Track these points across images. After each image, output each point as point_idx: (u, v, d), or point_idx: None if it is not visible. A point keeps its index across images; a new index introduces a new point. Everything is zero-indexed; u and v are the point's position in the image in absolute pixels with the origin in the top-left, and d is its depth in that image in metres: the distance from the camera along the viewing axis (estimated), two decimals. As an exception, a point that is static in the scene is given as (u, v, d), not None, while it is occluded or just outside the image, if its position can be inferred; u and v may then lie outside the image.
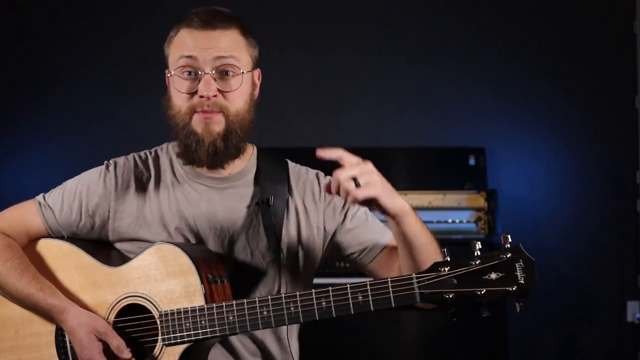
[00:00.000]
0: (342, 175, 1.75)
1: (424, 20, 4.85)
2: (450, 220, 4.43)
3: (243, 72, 1.94)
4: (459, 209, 4.44)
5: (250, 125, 1.98)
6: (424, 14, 4.85)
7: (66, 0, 4.88)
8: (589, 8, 4.76)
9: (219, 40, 1.92)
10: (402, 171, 4.54)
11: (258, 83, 2.03)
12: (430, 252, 1.85)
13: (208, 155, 1.93)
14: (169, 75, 1.97)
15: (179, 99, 1.94)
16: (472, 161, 4.46)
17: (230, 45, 1.93)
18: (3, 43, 4.83)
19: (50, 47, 4.84)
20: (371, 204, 1.78)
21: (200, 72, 1.91)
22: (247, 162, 2.04)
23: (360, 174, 1.75)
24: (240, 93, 1.94)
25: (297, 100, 4.69)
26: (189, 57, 1.91)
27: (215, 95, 1.91)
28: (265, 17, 4.69)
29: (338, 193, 1.76)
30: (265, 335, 1.99)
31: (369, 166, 1.78)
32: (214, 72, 1.91)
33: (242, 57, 1.95)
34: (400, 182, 4.49)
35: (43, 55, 4.84)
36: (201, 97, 1.90)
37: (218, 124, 1.92)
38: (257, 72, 2.02)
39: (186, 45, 1.92)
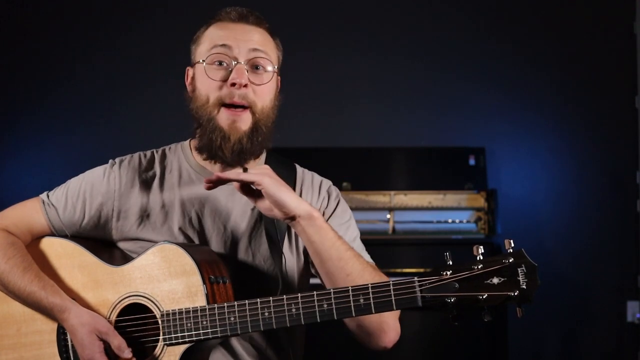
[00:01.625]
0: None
1: (424, 20, 4.85)
2: (450, 220, 4.42)
3: (274, 67, 1.98)
4: (459, 209, 4.44)
5: (272, 124, 1.99)
6: (424, 15, 4.86)
7: (67, 0, 4.87)
8: (589, 8, 4.76)
9: (254, 34, 1.97)
10: (402, 171, 4.54)
11: (279, 87, 2.05)
12: (342, 269, 1.85)
13: (233, 153, 1.94)
14: (198, 63, 1.97)
15: (207, 88, 1.95)
16: (472, 161, 4.46)
17: (264, 41, 1.98)
18: (3, 43, 4.82)
19: (50, 47, 4.84)
20: (257, 194, 1.84)
21: (233, 62, 1.93)
22: (256, 164, 2.04)
23: (253, 169, 1.85)
24: (269, 89, 1.97)
25: (297, 100, 4.68)
26: (224, 45, 1.94)
27: (246, 85, 1.92)
28: (265, 16, 4.68)
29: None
30: (267, 340, 1.99)
31: (266, 166, 1.86)
32: (246, 63, 1.93)
33: (272, 55, 1.99)
34: (400, 182, 4.50)
35: (43, 55, 4.84)
36: (232, 85, 1.91)
37: (245, 122, 1.93)
38: (279, 78, 2.05)
39: (220, 35, 1.96)
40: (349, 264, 1.86)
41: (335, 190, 2.08)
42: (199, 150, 2.00)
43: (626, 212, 4.69)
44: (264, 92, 1.95)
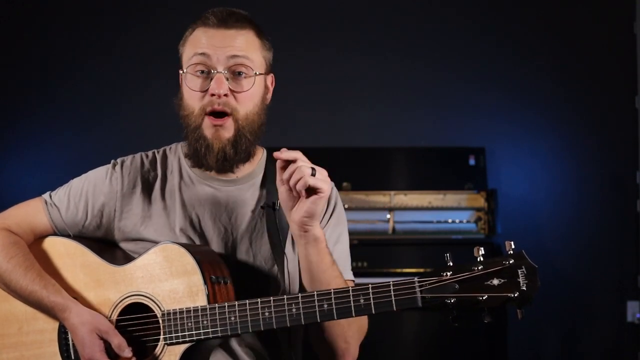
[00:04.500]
0: (301, 159, 1.79)
1: (424, 20, 4.85)
2: (450, 220, 4.43)
3: (256, 74, 1.93)
4: (459, 209, 4.44)
5: (260, 128, 1.97)
6: (424, 15, 4.86)
7: (67, 0, 4.88)
8: (589, 8, 4.77)
9: (234, 39, 1.92)
10: (402, 171, 4.55)
11: (271, 88, 2.02)
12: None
13: (217, 162, 1.93)
14: (182, 73, 1.97)
15: (191, 98, 1.94)
16: (472, 161, 4.46)
17: (245, 45, 1.93)
18: (3, 43, 4.82)
19: (50, 47, 4.84)
20: (309, 200, 1.80)
21: (212, 71, 1.91)
22: (255, 165, 2.04)
23: (319, 170, 1.80)
24: (252, 95, 1.94)
25: (297, 100, 4.70)
26: (202, 54, 1.91)
27: (226, 95, 1.90)
28: (266, 16, 4.67)
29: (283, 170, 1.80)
30: (266, 340, 1.98)
31: (324, 172, 1.83)
32: (226, 71, 1.91)
33: (255, 58, 1.94)
34: (400, 182, 4.50)
35: (43, 55, 4.84)
36: (212, 95, 1.90)
37: (227, 130, 1.92)
38: (270, 77, 2.02)
39: (200, 43, 1.93)
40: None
41: (334, 197, 2.06)
42: (187, 157, 2.00)
43: (626, 212, 4.69)
44: (246, 99, 1.92)
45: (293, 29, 4.74)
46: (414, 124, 4.80)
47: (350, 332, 1.91)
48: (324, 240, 1.86)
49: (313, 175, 1.78)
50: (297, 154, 1.80)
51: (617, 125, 4.73)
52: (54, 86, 4.81)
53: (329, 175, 2.00)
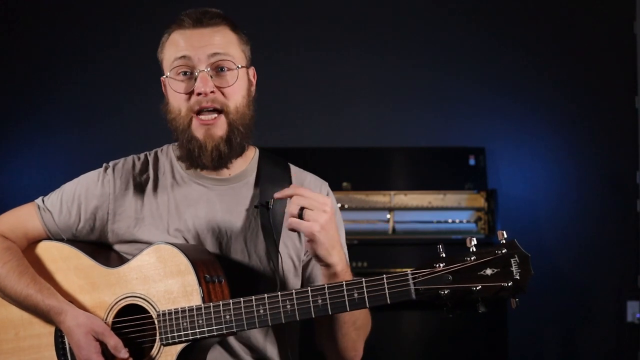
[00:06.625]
0: (295, 200, 1.78)
1: (425, 20, 4.85)
2: (450, 220, 4.43)
3: (238, 67, 1.94)
4: (459, 209, 4.44)
5: (250, 121, 1.98)
6: (424, 15, 4.86)
7: (66, 1, 4.88)
8: (589, 8, 4.76)
9: (211, 37, 1.93)
10: (402, 171, 4.55)
11: (254, 81, 2.03)
12: (348, 327, 1.92)
13: (212, 160, 1.94)
14: (164, 78, 1.97)
15: (176, 100, 1.94)
16: (472, 161, 4.46)
17: (223, 42, 1.94)
18: (4, 43, 4.83)
19: (50, 48, 4.84)
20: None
21: (195, 71, 1.91)
22: (248, 163, 2.04)
23: (312, 207, 1.78)
24: (238, 88, 1.95)
25: (297, 100, 4.70)
26: (183, 57, 1.92)
27: (212, 92, 1.91)
28: (266, 16, 4.69)
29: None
30: (264, 337, 1.99)
31: (327, 203, 1.80)
32: (209, 69, 1.91)
33: (235, 53, 1.95)
34: (400, 182, 4.50)
35: (44, 55, 4.84)
36: (198, 94, 1.90)
37: (220, 127, 1.92)
38: (252, 71, 2.03)
39: (179, 46, 1.93)
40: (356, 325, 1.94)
41: (332, 197, 2.06)
42: (180, 159, 2.00)
43: (626, 212, 4.68)
44: (234, 92, 1.94)
45: (293, 29, 4.74)
46: (414, 124, 4.80)
47: (359, 342, 1.97)
48: (345, 274, 1.85)
49: (300, 216, 1.78)
50: (290, 190, 1.82)
51: (617, 125, 4.73)
52: (54, 86, 4.81)
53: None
